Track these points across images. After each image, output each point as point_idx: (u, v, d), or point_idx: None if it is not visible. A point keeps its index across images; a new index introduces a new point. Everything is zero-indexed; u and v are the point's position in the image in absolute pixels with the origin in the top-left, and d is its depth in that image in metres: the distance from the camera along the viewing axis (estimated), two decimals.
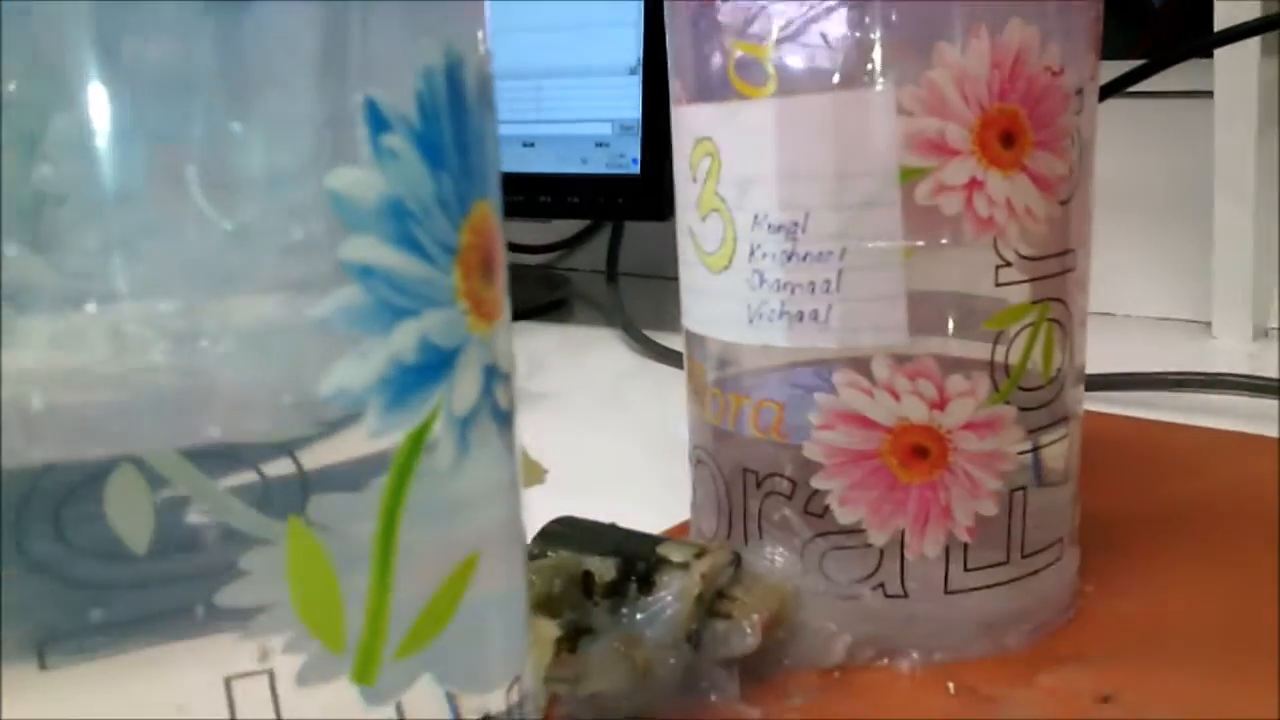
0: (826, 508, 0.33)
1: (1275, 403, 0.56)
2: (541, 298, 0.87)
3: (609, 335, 0.78)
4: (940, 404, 0.32)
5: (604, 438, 0.58)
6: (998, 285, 0.32)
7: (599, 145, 0.74)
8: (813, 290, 0.32)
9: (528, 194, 0.77)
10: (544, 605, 0.32)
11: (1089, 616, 0.36)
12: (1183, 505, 0.44)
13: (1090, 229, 0.35)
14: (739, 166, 0.33)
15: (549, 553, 0.33)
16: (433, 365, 0.17)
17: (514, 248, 1.02)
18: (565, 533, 0.34)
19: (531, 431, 0.59)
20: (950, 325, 0.33)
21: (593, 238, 0.99)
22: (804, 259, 0.32)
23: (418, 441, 0.17)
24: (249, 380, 0.15)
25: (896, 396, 0.32)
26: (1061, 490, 0.35)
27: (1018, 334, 0.33)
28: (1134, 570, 0.38)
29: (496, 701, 0.19)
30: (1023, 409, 0.33)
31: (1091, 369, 0.60)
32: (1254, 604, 0.36)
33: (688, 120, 0.35)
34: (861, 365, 0.32)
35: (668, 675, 0.31)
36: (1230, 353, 0.69)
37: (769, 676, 0.33)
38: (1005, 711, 0.31)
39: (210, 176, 0.14)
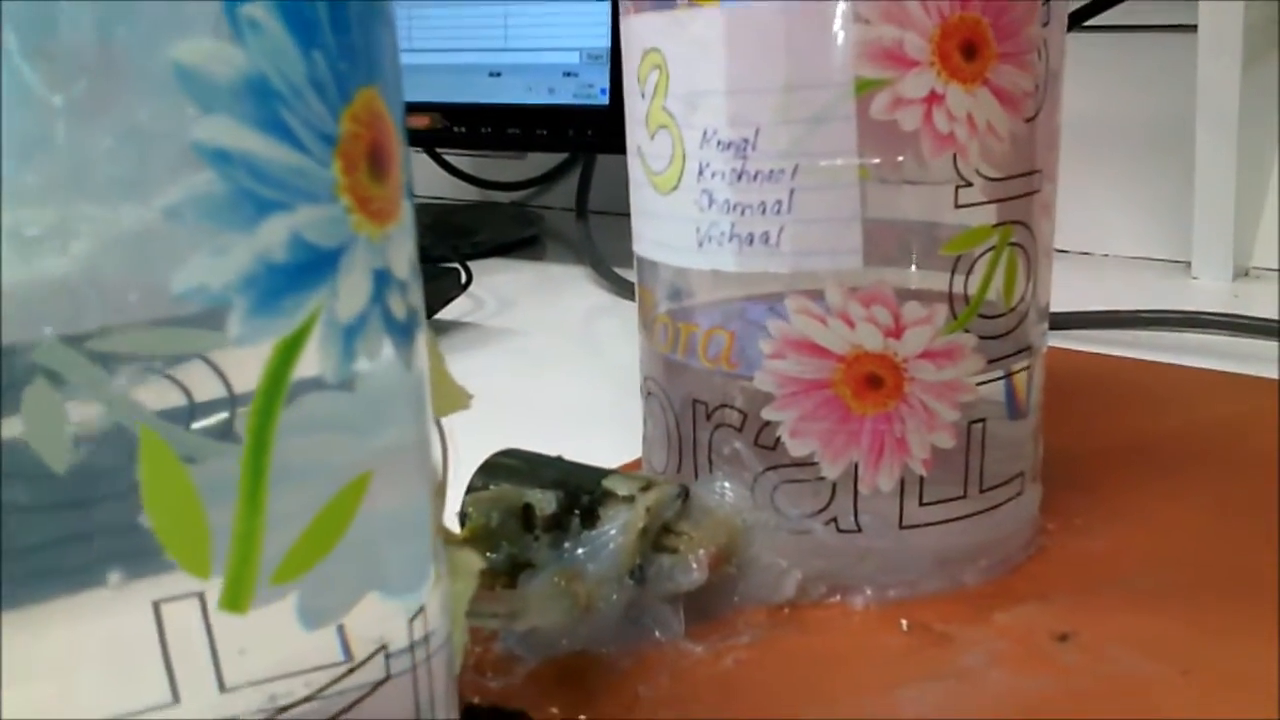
0: (778, 440, 0.32)
1: (1253, 341, 0.55)
2: (512, 235, 0.85)
3: (579, 273, 0.76)
4: (896, 332, 0.30)
5: (568, 375, 0.57)
6: (957, 207, 0.31)
7: (567, 75, 0.72)
8: (763, 211, 0.31)
9: (495, 126, 0.75)
10: (482, 539, 0.30)
11: (1049, 554, 0.35)
12: (1150, 442, 0.42)
13: (1058, 150, 0.33)
14: (687, 80, 0.31)
15: (490, 485, 0.32)
16: (308, 266, 0.15)
17: (487, 185, 1.00)
18: (509, 465, 0.33)
19: (495, 367, 0.58)
20: (907, 249, 0.31)
21: (567, 174, 0.97)
22: (754, 178, 0.30)
23: (291, 350, 0.15)
24: (99, 277, 0.14)
25: (850, 324, 0.30)
26: (1023, 424, 0.34)
27: (978, 259, 0.31)
28: (1098, 507, 0.37)
29: (395, 634, 0.18)
30: (983, 338, 0.31)
31: (1070, 307, 0.60)
32: (1219, 542, 0.35)
33: (636, 30, 0.33)
34: (814, 291, 0.31)
35: (610, 611, 0.30)
36: (1211, 292, 0.68)
37: (717, 613, 0.32)
38: (959, 649, 0.30)
39: (33, 44, 0.13)
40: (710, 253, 0.32)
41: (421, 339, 0.19)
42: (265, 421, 0.15)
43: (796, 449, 0.32)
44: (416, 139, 0.79)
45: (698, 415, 0.33)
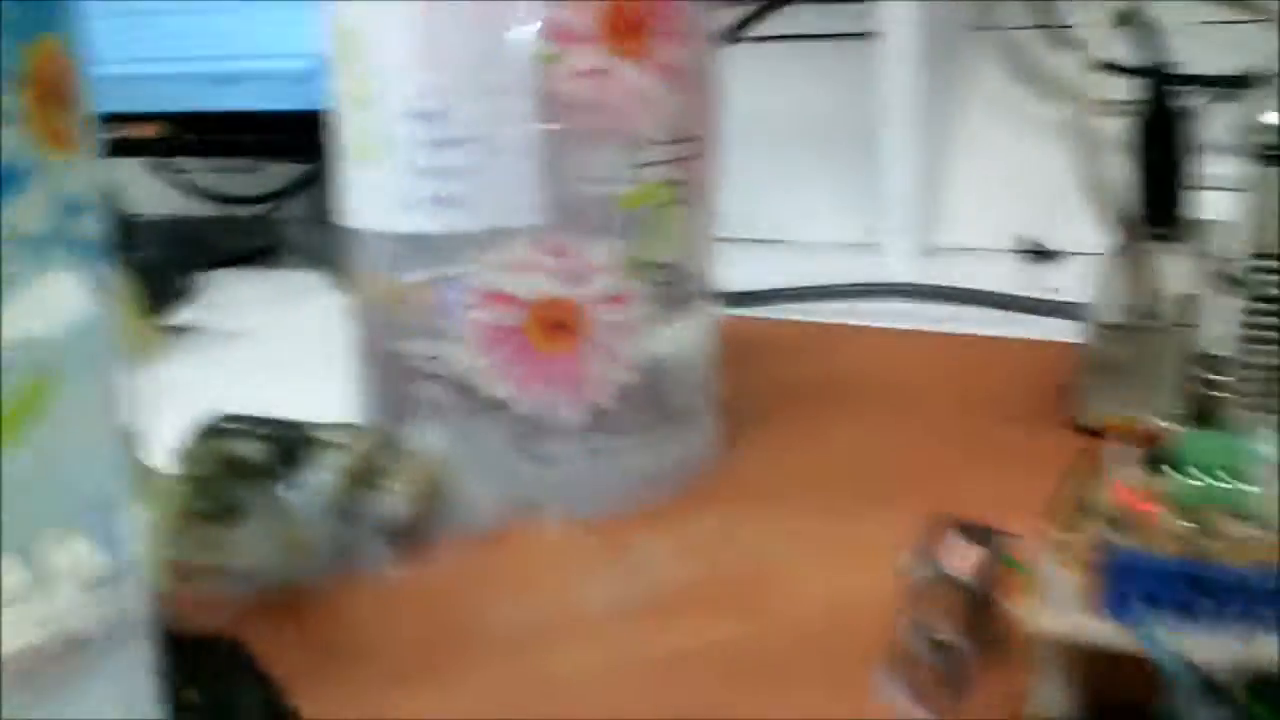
0: (477, 383, 0.35)
1: (937, 307, 0.62)
2: (250, 245, 0.85)
3: (318, 280, 0.77)
4: (576, 279, 0.34)
5: (301, 375, 0.58)
6: (628, 168, 0.34)
7: (299, 81, 0.73)
8: (457, 176, 0.34)
9: (226, 133, 0.75)
10: (193, 488, 0.32)
11: (724, 475, 0.39)
12: (820, 386, 0.48)
13: (718, 119, 0.38)
14: (383, 55, 0.34)
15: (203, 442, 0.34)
16: None
17: (226, 199, 0.99)
18: (221, 425, 0.35)
19: (224, 368, 0.59)
20: (586, 206, 0.35)
21: (309, 187, 0.97)
22: (447, 145, 0.34)
23: None
24: None
25: (536, 274, 0.34)
26: (699, 363, 0.38)
27: (649, 215, 0.35)
28: (769, 436, 0.42)
29: (84, 563, 0.19)
30: (653, 284, 0.35)
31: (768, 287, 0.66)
32: (862, 459, 0.40)
33: (335, 12, 0.35)
34: (504, 245, 0.34)
35: (320, 547, 0.32)
36: (898, 270, 0.76)
37: (424, 544, 0.34)
38: (639, 554, 0.34)
39: None
40: (411, 216, 0.34)
41: (110, 272, 0.21)
42: None
43: (494, 390, 0.35)
44: (146, 148, 0.78)
45: (403, 366, 0.36)
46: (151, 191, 0.97)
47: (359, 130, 0.35)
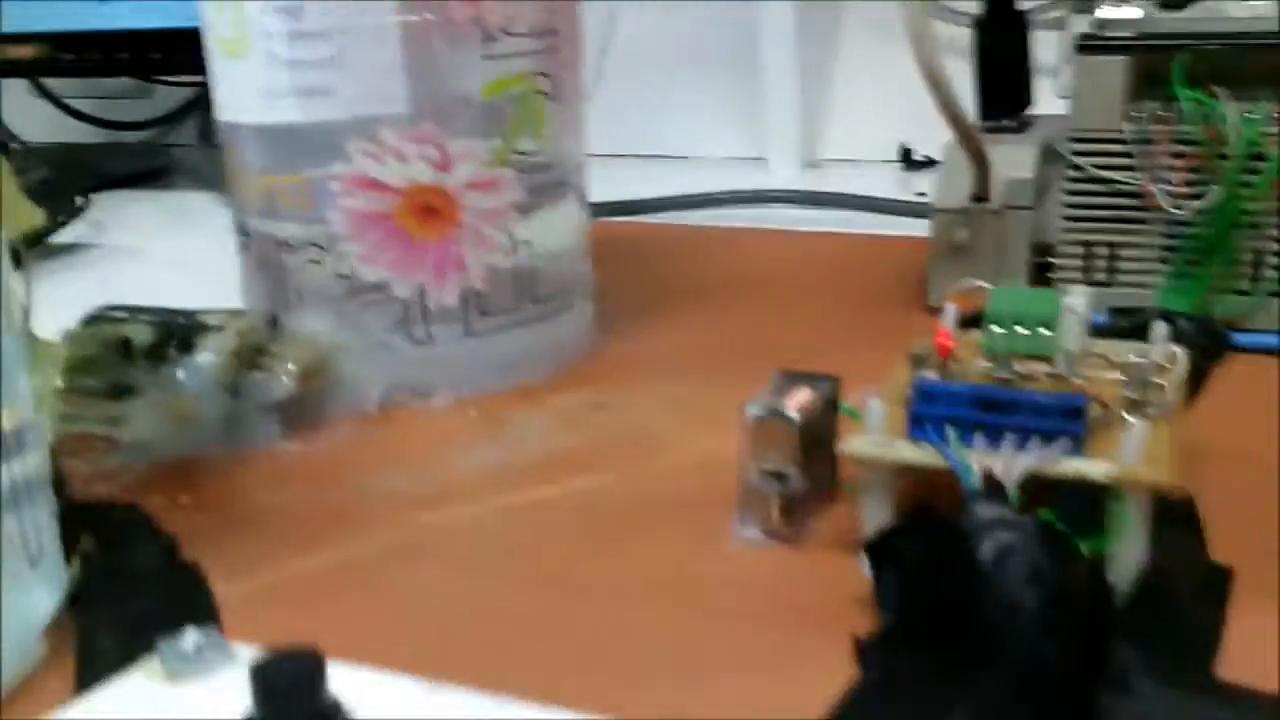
0: (354, 269, 0.37)
1: (819, 212, 0.65)
2: (138, 168, 0.84)
3: (207, 199, 0.77)
4: (445, 166, 0.36)
5: (189, 285, 0.59)
6: (485, 58, 0.36)
7: None
8: (320, 66, 0.35)
9: (105, 52, 0.75)
10: (82, 367, 0.34)
11: (600, 356, 0.42)
12: (700, 282, 0.51)
13: (577, 19, 0.40)
14: None
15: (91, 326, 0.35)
16: None
17: (113, 125, 0.97)
18: (111, 314, 0.36)
19: (111, 284, 0.59)
20: (450, 94, 0.36)
21: (196, 111, 0.96)
22: (309, 37, 0.35)
23: None
24: None
25: (405, 160, 0.36)
26: (571, 248, 0.40)
27: (510, 104, 0.37)
28: (648, 324, 0.45)
29: None
30: (521, 171, 0.37)
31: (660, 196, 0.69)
32: (731, 342, 0.43)
33: None
34: (371, 134, 0.36)
35: (210, 422, 0.34)
36: (784, 181, 0.79)
37: (312, 421, 0.36)
38: (514, 425, 0.36)
39: None
40: (278, 108, 0.36)
41: None
42: None
43: (370, 275, 0.37)
44: (23, 69, 0.77)
45: (284, 255, 0.37)
46: (39, 117, 0.96)
47: (225, 26, 0.36)
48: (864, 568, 0.26)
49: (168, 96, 0.96)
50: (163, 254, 0.64)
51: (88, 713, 0.16)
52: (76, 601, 0.25)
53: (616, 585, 0.27)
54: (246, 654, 0.18)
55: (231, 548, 0.29)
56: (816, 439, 0.29)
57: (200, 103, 0.93)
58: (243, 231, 0.39)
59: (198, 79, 0.80)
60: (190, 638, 0.19)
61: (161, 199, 0.79)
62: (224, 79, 0.38)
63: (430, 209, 0.36)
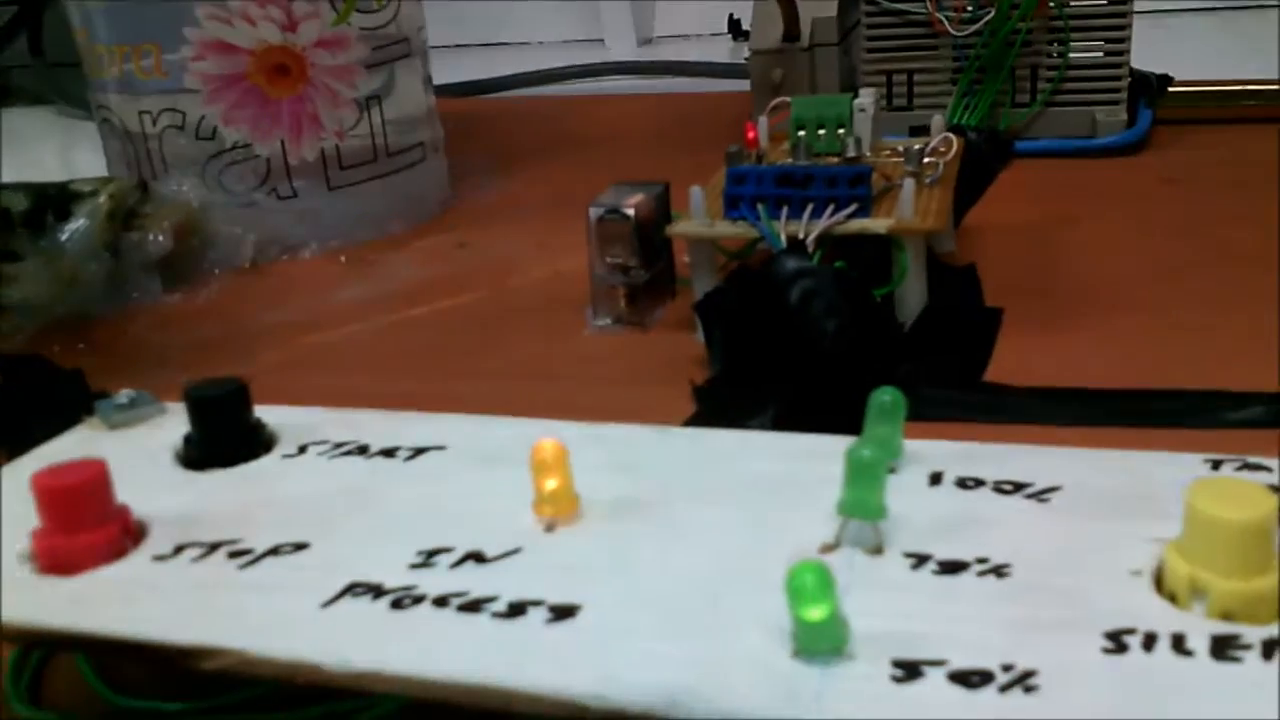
0: (215, 130, 0.39)
1: (651, 80, 0.69)
2: None
3: (43, 113, 0.77)
4: (291, 26, 0.38)
5: None
6: None
7: None
8: None
9: None
10: None
11: (458, 205, 0.45)
12: (551, 138, 0.55)
13: None
14: None
15: None
16: None
17: None
18: None
19: None
20: None
21: (18, 34, 0.94)
22: None
23: None
24: None
25: (252, 22, 0.38)
26: (418, 104, 0.43)
27: None
28: (500, 179, 0.48)
29: None
30: (363, 29, 0.40)
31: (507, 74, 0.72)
32: (574, 182, 0.47)
33: None
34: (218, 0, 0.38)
35: (92, 280, 0.36)
36: (622, 57, 0.82)
37: (190, 278, 0.39)
38: (384, 265, 0.39)
39: None
40: None
41: None
42: None
43: (231, 136, 0.39)
44: None
45: (145, 124, 0.39)
46: None
47: None
48: (698, 335, 0.31)
49: None
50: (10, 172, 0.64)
51: (39, 460, 0.19)
52: None
53: (487, 369, 0.31)
54: (176, 407, 0.21)
55: (132, 380, 0.32)
56: (653, 235, 0.33)
57: (24, 18, 0.91)
58: (100, 105, 0.41)
59: None
60: (124, 394, 0.22)
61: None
62: None
63: (281, 68, 0.39)
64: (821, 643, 0.13)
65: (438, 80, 0.47)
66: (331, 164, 0.40)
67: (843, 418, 0.19)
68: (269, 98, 0.39)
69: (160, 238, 0.37)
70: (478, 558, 0.16)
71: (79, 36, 0.41)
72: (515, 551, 0.16)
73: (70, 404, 0.29)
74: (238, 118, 0.39)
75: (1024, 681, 0.13)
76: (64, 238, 0.36)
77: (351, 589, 0.15)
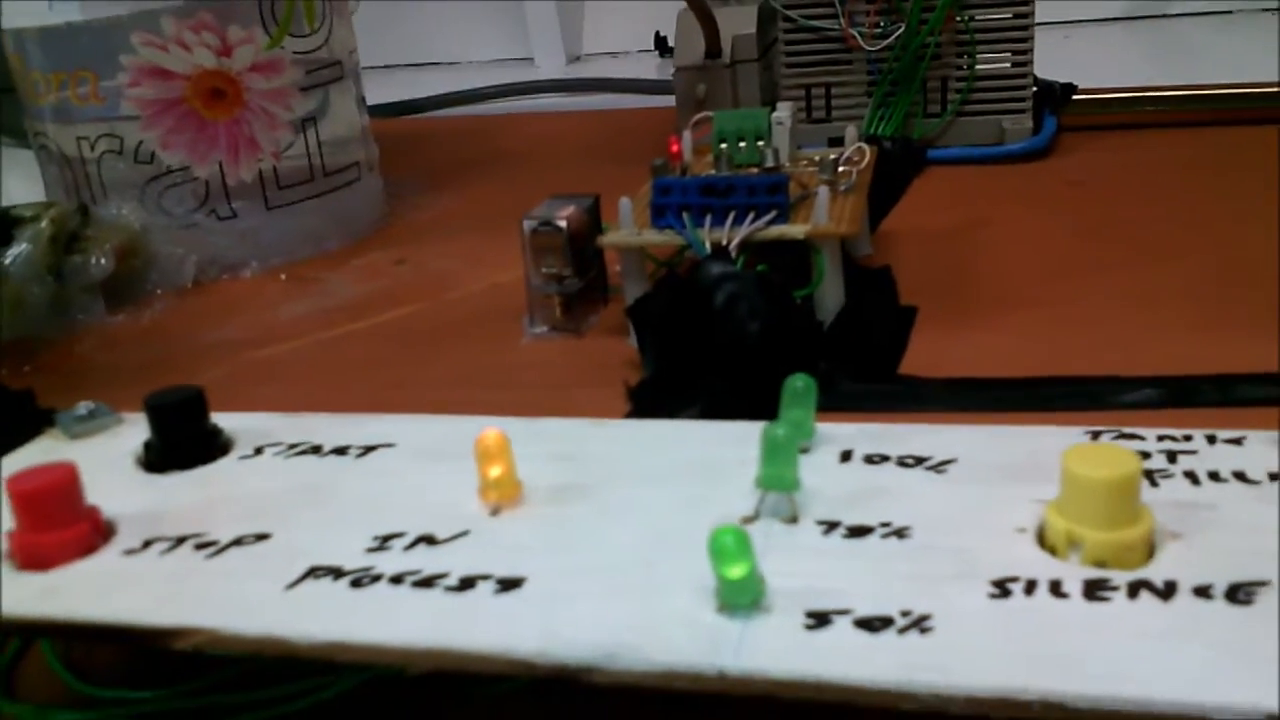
0: (153, 154, 0.40)
1: (575, 98, 0.71)
2: None
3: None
4: (226, 51, 0.39)
5: None
6: None
7: None
8: None
9: None
10: None
11: (394, 223, 0.46)
12: (480, 155, 0.56)
13: None
14: None
15: None
16: None
17: None
18: None
19: None
20: None
21: None
22: None
23: None
24: None
25: (187, 48, 0.39)
26: (352, 125, 0.45)
27: None
28: (434, 197, 0.50)
29: None
30: (296, 53, 0.41)
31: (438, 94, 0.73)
32: (510, 201, 0.48)
33: None
34: (153, 25, 0.39)
35: (36, 303, 0.37)
36: (552, 74, 0.84)
37: (133, 298, 0.40)
38: (324, 283, 0.41)
39: None
40: (58, 8, 0.38)
41: None
42: None
43: (169, 159, 0.40)
44: None
45: (83, 150, 0.40)
46: None
47: None
48: (630, 339, 0.32)
49: None
50: None
51: (5, 469, 0.20)
52: None
53: (426, 379, 0.32)
54: (133, 417, 0.22)
55: (82, 398, 0.33)
56: (585, 245, 0.35)
57: None
58: (38, 132, 0.42)
59: None
60: (83, 406, 0.23)
61: None
62: None
63: (217, 92, 0.40)
64: (742, 597, 0.15)
65: (371, 101, 0.49)
66: (269, 184, 0.41)
67: (765, 410, 0.20)
68: (206, 121, 0.40)
69: (102, 260, 0.38)
70: (429, 540, 0.17)
71: (14, 63, 0.41)
72: (464, 534, 0.17)
73: (23, 423, 0.30)
74: (175, 141, 0.40)
75: (920, 624, 0.14)
76: (7, 262, 0.37)
77: (313, 572, 0.17)
